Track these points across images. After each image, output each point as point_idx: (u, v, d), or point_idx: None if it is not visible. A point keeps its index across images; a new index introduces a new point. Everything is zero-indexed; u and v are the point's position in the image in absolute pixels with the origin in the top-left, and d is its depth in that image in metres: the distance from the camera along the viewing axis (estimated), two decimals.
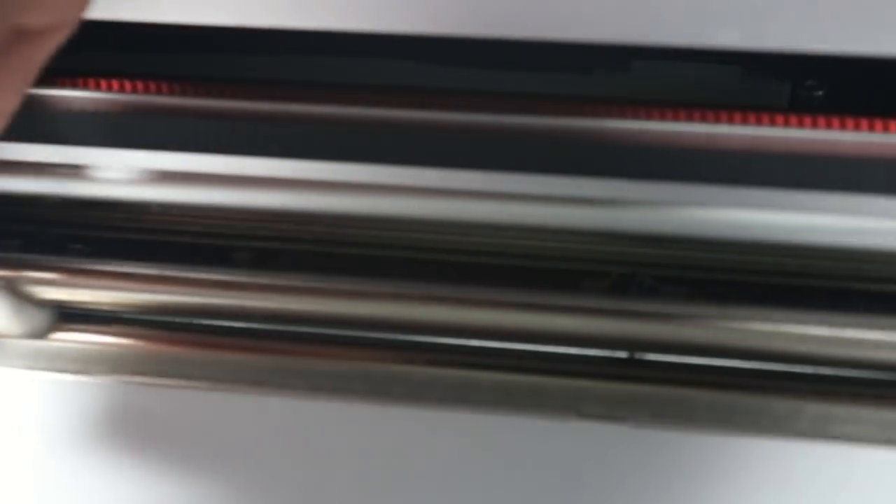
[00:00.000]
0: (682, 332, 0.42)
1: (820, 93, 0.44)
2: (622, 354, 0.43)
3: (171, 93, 0.48)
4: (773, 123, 0.44)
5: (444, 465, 0.39)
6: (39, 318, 0.46)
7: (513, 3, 0.43)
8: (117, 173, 0.47)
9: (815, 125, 0.44)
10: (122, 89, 0.49)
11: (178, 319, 0.45)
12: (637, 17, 0.42)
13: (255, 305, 0.45)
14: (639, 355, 0.43)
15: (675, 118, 0.45)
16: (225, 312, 0.45)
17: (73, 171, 0.48)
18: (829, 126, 0.44)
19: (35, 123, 0.48)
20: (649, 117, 0.45)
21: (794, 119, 0.44)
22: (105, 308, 0.46)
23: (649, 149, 0.45)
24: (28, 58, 0.34)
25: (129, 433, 0.41)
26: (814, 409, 0.40)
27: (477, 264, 0.46)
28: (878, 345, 0.41)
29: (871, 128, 0.43)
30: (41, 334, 0.46)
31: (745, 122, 0.44)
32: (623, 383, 0.42)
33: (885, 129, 0.43)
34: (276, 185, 0.47)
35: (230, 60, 0.48)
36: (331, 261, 0.47)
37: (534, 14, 0.43)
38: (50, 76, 0.49)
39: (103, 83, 0.49)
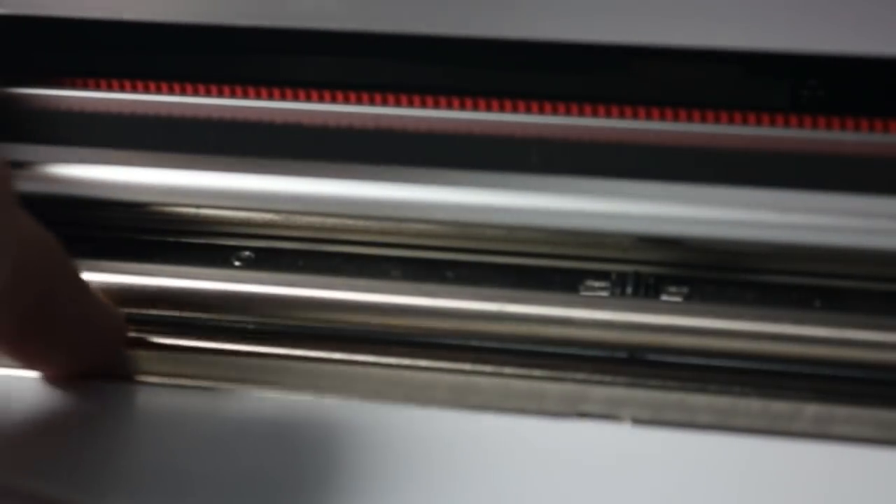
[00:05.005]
0: (683, 332, 0.42)
1: (820, 93, 0.44)
2: (622, 354, 0.43)
3: (171, 93, 0.48)
4: (773, 123, 0.44)
5: (443, 466, 0.39)
6: None
7: (513, 3, 0.43)
8: (117, 173, 0.47)
9: (815, 125, 0.44)
10: (122, 89, 0.49)
11: (178, 319, 0.45)
12: (637, 17, 0.42)
13: (256, 306, 0.45)
14: (639, 355, 0.43)
15: (675, 118, 0.45)
16: (225, 312, 0.45)
17: (70, 171, 0.48)
18: (829, 126, 0.44)
19: (34, 123, 0.48)
20: (649, 117, 0.45)
21: (794, 119, 0.44)
22: None
23: (649, 149, 0.45)
24: None
25: (128, 433, 0.41)
26: (814, 409, 0.40)
27: (476, 264, 0.46)
28: (878, 345, 0.41)
29: (871, 128, 0.43)
30: None
31: (745, 122, 0.44)
32: (623, 383, 0.42)
33: (885, 129, 0.43)
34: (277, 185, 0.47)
35: (229, 60, 0.48)
36: (328, 260, 0.47)
37: (534, 14, 0.43)
38: (50, 76, 0.49)
39: (103, 83, 0.49)
